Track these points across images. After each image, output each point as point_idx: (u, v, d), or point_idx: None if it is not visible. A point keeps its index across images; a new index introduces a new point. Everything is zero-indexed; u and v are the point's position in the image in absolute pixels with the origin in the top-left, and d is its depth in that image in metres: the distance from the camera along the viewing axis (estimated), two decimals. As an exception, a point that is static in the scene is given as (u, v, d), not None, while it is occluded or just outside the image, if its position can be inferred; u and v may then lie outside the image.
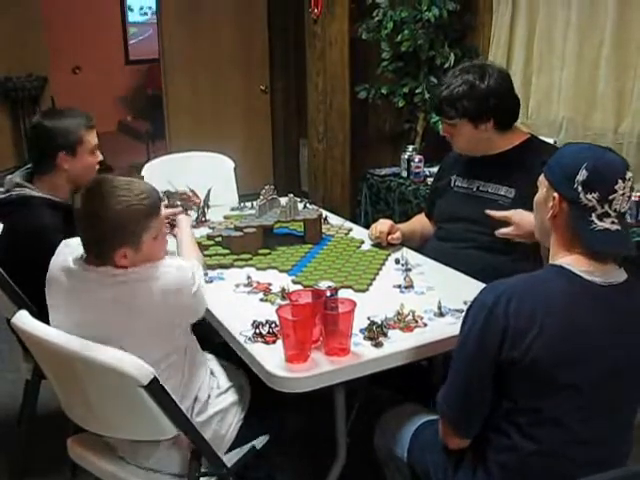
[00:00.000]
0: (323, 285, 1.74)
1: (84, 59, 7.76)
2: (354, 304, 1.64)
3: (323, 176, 4.12)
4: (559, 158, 1.48)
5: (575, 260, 1.42)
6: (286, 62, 5.57)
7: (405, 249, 2.34)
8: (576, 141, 3.27)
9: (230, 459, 1.83)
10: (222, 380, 1.89)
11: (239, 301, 1.99)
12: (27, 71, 5.05)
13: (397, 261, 2.26)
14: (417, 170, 3.45)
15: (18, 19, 4.86)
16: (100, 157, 2.32)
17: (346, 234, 2.58)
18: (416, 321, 1.82)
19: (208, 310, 1.94)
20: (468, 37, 3.77)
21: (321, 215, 2.52)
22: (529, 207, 2.20)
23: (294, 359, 1.61)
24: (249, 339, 1.73)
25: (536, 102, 3.45)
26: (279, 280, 2.11)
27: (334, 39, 3.91)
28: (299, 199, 2.62)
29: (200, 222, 2.73)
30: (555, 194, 1.44)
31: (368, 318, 1.74)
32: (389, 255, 2.33)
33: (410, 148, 3.62)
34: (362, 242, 2.46)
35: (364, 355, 1.66)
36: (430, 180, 3.46)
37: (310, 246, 2.42)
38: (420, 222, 2.61)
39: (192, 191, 2.75)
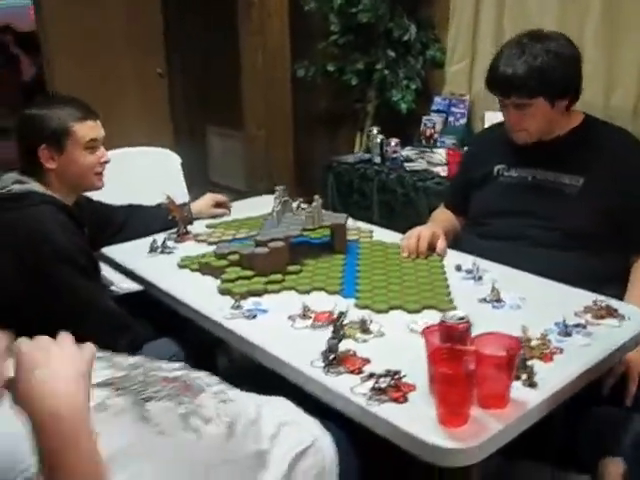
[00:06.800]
0: (451, 316, 1.35)
1: None
2: (518, 343, 1.28)
3: (264, 166, 3.67)
4: None
5: None
6: (185, 41, 4.99)
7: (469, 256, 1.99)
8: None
9: None
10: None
11: (310, 342, 1.51)
12: None
13: (458, 268, 1.92)
14: (394, 155, 3.10)
15: None
16: (106, 156, 1.88)
17: (370, 237, 2.19)
18: (546, 346, 1.49)
19: (284, 364, 1.49)
20: (423, 7, 3.46)
21: (347, 219, 2.10)
22: (600, 194, 1.96)
23: (452, 422, 1.22)
24: (370, 399, 1.31)
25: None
26: (334, 305, 1.68)
27: (273, 9, 3.44)
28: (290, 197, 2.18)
29: (183, 235, 2.22)
30: None
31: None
32: (442, 261, 1.98)
33: (375, 130, 3.26)
34: (398, 247, 2.08)
35: (526, 401, 1.30)
36: (408, 165, 3.14)
37: (342, 257, 2.01)
38: (447, 219, 2.27)
39: (169, 198, 2.24)
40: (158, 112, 5.18)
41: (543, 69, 1.87)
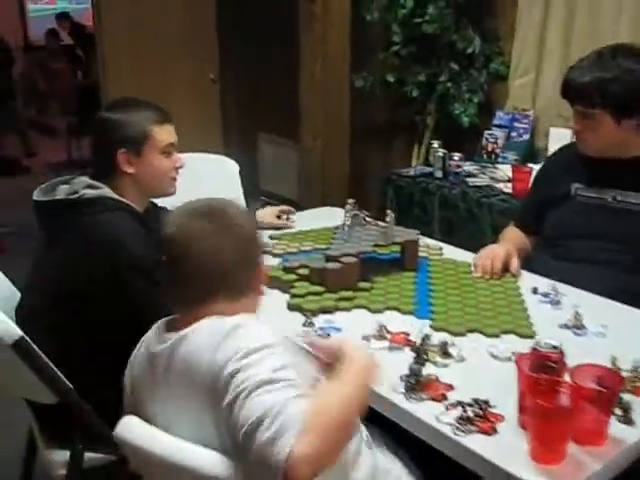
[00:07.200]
0: (544, 344, 1.29)
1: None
2: (619, 378, 1.21)
3: (320, 178, 3.63)
4: None
5: None
6: (239, 47, 4.99)
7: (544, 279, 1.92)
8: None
9: None
10: None
11: (388, 365, 1.43)
12: None
13: (534, 291, 1.85)
14: (457, 170, 3.04)
15: None
16: (181, 161, 1.87)
17: (440, 255, 2.13)
18: (639, 379, 1.41)
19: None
20: (488, 19, 3.39)
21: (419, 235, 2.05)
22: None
23: (547, 459, 1.16)
24: (457, 429, 1.25)
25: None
26: (410, 326, 1.64)
27: (336, 19, 3.40)
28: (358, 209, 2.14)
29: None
30: None
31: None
32: (516, 282, 1.92)
33: (436, 144, 3.20)
34: (469, 265, 2.02)
35: (623, 438, 1.23)
36: (470, 180, 3.07)
37: (413, 274, 1.96)
38: (518, 237, 2.20)
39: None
40: (209, 118, 5.18)
41: (608, 82, 1.83)
